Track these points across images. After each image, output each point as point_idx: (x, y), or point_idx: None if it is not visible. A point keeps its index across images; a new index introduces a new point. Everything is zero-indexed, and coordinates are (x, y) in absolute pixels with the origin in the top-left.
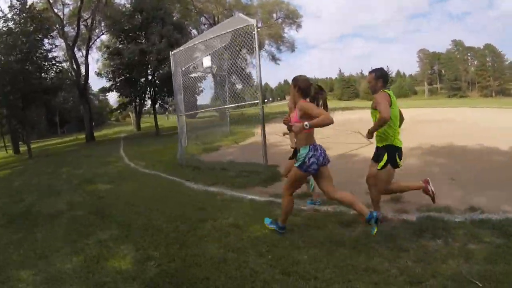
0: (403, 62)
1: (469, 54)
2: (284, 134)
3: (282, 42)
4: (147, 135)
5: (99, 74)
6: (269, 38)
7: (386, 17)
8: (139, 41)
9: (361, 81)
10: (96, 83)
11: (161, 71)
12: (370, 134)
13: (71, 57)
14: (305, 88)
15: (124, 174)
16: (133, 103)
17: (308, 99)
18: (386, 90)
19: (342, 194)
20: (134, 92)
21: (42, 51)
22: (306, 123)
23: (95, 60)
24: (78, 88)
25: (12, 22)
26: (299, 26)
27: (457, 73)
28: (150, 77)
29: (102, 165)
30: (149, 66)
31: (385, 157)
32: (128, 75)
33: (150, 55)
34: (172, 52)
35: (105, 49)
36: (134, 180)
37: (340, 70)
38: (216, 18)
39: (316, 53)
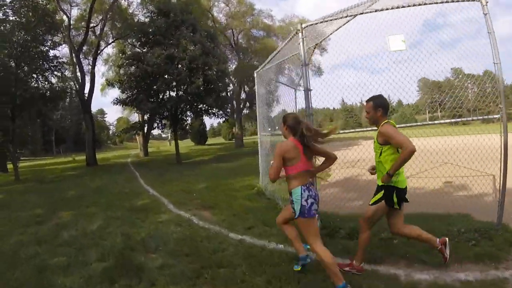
0: (399, 91)
1: (469, 81)
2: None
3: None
4: (163, 162)
5: (110, 84)
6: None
7: (376, 49)
8: (164, 46)
9: (362, 110)
10: (95, 103)
11: (192, 84)
12: (390, 177)
13: (77, 63)
14: (293, 126)
15: (197, 247)
16: (154, 122)
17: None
18: (390, 121)
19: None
20: (156, 108)
21: (42, 48)
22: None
23: (100, 73)
24: (81, 101)
25: (10, 8)
26: (324, 49)
27: (460, 101)
28: (176, 91)
29: (133, 213)
30: (177, 76)
31: (381, 193)
32: (147, 86)
33: (180, 62)
34: (257, 71)
35: (120, 55)
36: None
37: (343, 100)
38: (235, 38)
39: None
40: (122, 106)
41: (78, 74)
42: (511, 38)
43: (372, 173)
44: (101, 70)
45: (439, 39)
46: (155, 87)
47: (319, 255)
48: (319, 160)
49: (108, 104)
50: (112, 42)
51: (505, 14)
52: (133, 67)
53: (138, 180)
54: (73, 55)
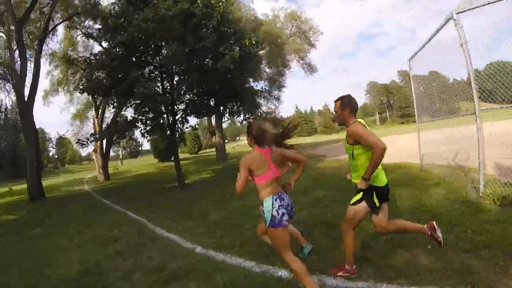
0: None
1: (418, 81)
2: None
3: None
4: (148, 187)
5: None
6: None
7: (319, 57)
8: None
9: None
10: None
11: (224, 57)
12: (367, 181)
13: (17, 42)
14: (258, 136)
15: None
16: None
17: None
18: (358, 120)
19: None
20: (152, 97)
21: None
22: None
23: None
24: (19, 102)
25: None
26: (312, 45)
27: (408, 100)
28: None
29: None
30: (197, 43)
31: (361, 194)
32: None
33: (203, 24)
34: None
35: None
36: None
37: (296, 107)
38: None
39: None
40: (95, 96)
41: (17, 60)
42: None
43: (349, 178)
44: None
45: None
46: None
47: (291, 265)
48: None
49: (47, 122)
50: (68, 18)
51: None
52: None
53: (149, 229)
54: (12, 28)
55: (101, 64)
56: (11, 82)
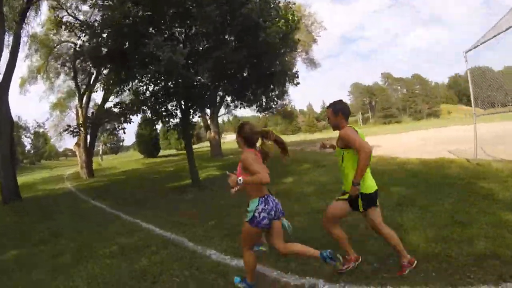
0: (328, 96)
1: (398, 84)
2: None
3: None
4: (148, 186)
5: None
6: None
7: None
8: None
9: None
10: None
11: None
12: (357, 186)
13: None
14: (250, 137)
15: None
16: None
17: (254, 148)
18: (350, 126)
19: (293, 247)
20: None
21: None
22: (240, 178)
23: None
24: None
25: None
26: (315, 40)
27: (390, 102)
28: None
29: None
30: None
31: (346, 196)
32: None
33: None
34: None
35: None
36: None
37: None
38: None
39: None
40: (101, 68)
41: None
42: None
43: (322, 147)
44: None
45: None
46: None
47: (245, 257)
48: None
49: (23, 113)
50: None
51: None
52: None
53: (210, 261)
54: None
55: (109, 21)
56: None
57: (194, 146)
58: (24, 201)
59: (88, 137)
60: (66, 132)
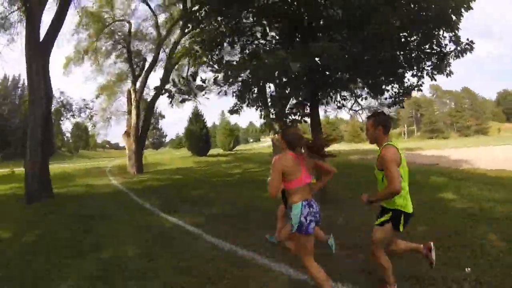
0: None
1: (447, 97)
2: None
3: None
4: (231, 194)
5: None
6: None
7: None
8: None
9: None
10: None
11: None
12: (369, 202)
13: None
14: (292, 141)
15: None
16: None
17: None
18: (391, 143)
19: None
20: None
21: None
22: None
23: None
24: (28, 46)
25: None
26: None
27: (437, 116)
28: None
29: None
30: None
31: (388, 215)
32: None
33: None
34: None
35: None
36: None
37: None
38: None
39: None
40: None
41: None
42: None
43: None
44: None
45: None
46: None
47: (312, 272)
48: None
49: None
50: None
51: None
52: None
53: None
54: None
55: None
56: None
57: (239, 148)
58: (57, 200)
59: (140, 124)
60: (164, 94)
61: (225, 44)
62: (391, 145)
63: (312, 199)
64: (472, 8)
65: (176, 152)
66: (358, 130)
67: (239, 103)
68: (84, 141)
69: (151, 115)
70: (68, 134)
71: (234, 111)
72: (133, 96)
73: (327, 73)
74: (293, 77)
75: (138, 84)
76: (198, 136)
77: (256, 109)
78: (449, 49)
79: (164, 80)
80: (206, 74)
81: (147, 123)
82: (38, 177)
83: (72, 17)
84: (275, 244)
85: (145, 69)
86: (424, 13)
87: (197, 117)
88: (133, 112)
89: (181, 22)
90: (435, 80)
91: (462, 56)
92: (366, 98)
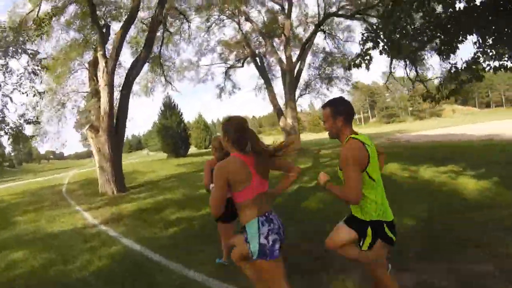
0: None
1: (401, 84)
2: None
3: None
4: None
5: None
6: None
7: None
8: None
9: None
10: None
11: None
12: (324, 189)
13: None
14: (238, 137)
15: None
16: None
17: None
18: (355, 136)
19: None
20: None
21: None
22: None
23: None
24: None
25: None
26: None
27: (390, 102)
28: None
29: None
30: None
31: (369, 232)
32: None
33: None
34: None
35: None
36: None
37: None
38: None
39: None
40: None
41: None
42: None
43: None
44: None
45: None
46: None
47: None
48: None
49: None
50: None
51: None
52: None
53: None
54: None
55: None
56: None
57: (204, 149)
58: None
59: (115, 114)
60: None
61: None
62: (355, 140)
63: (271, 211)
64: None
65: (142, 154)
66: (319, 120)
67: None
68: (26, 154)
69: (128, 99)
70: (9, 148)
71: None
72: (102, 67)
73: None
74: None
75: (109, 49)
76: (174, 132)
77: None
78: None
79: None
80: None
81: (125, 110)
82: None
83: None
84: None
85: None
86: None
87: (171, 110)
88: (103, 93)
89: None
90: None
91: None
92: None
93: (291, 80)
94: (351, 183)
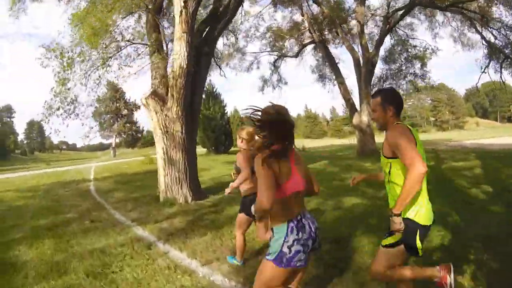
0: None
1: (424, 93)
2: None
3: None
4: None
5: None
6: None
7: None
8: None
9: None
10: None
11: None
12: (397, 218)
13: None
14: (280, 127)
15: None
16: None
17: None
18: (401, 123)
19: None
20: None
21: None
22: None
23: None
24: None
25: None
26: None
27: (415, 111)
28: None
29: None
30: None
31: (399, 235)
32: None
33: None
34: None
35: None
36: None
37: (306, 106)
38: None
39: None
40: None
41: None
42: None
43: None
44: None
45: None
46: None
47: None
48: None
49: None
50: None
51: None
52: None
53: None
54: None
55: None
56: None
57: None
58: None
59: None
60: None
61: None
62: (399, 124)
63: (305, 213)
64: None
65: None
66: (341, 125)
67: None
68: (38, 142)
69: (209, 62)
70: (22, 135)
71: None
72: (178, 6)
73: None
74: None
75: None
76: (218, 125)
77: None
78: None
79: None
80: None
81: (203, 79)
82: None
83: None
84: None
85: None
86: None
87: (214, 99)
88: (179, 45)
89: None
90: None
91: None
92: None
93: (367, 71)
94: (412, 154)
